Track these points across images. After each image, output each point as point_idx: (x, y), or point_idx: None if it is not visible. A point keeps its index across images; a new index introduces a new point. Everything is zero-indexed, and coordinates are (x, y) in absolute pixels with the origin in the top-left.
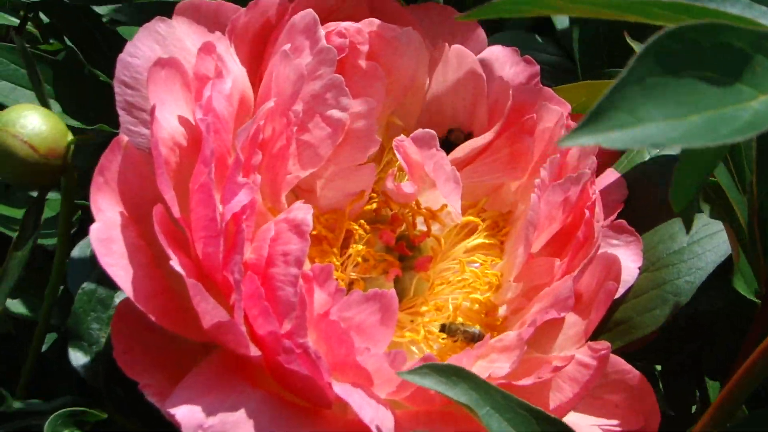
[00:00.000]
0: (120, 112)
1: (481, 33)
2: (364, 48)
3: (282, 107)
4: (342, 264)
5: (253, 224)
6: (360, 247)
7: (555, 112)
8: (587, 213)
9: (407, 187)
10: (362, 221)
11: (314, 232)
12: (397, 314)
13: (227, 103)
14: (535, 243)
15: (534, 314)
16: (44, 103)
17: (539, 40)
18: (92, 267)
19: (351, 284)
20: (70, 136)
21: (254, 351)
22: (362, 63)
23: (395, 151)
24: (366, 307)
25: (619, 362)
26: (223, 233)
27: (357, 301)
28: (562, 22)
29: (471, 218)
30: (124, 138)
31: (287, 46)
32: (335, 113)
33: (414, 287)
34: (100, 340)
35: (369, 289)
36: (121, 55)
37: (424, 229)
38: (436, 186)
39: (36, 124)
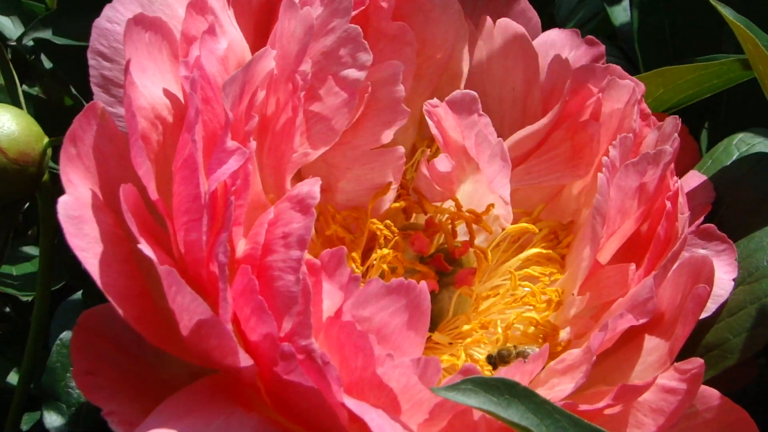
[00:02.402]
0: (95, 89)
1: (534, 15)
2: (389, 4)
3: (286, 71)
4: (363, 274)
5: (246, 202)
6: (386, 251)
7: (625, 87)
8: (668, 204)
9: (442, 163)
10: (388, 221)
11: (328, 232)
12: (429, 313)
13: (221, 67)
14: (605, 249)
15: (606, 319)
16: (17, 103)
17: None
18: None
19: None
20: (45, 140)
21: (245, 360)
22: (386, 25)
23: (426, 117)
24: (389, 303)
25: (712, 395)
26: (208, 209)
27: (377, 293)
28: (619, 17)
29: (525, 225)
30: (99, 104)
31: None
32: (351, 73)
33: (454, 306)
34: (81, 400)
35: None
36: (98, 20)
37: (466, 238)
38: (478, 170)
39: (5, 123)
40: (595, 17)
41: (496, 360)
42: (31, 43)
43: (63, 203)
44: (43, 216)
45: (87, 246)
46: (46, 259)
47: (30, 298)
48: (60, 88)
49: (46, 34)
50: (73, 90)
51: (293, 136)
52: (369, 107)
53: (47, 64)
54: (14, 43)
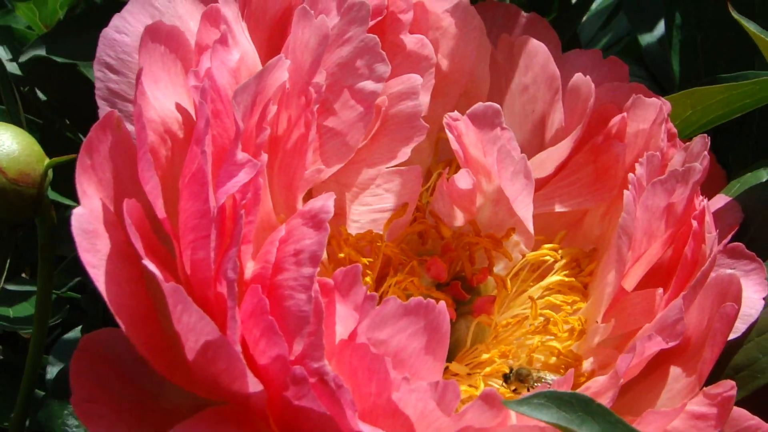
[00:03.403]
0: (100, 103)
1: (555, 36)
2: (407, 17)
3: (299, 84)
4: (378, 299)
5: (257, 219)
6: (401, 276)
7: (652, 106)
8: (695, 224)
9: (462, 179)
10: (404, 246)
11: (341, 256)
12: (448, 336)
13: (232, 80)
14: (630, 276)
15: (635, 341)
16: (17, 122)
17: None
18: None
19: None
20: (46, 161)
21: (254, 384)
22: (405, 38)
23: (447, 130)
24: (406, 324)
25: (743, 416)
26: (216, 224)
27: (394, 314)
28: (645, 38)
29: (546, 251)
30: (116, 113)
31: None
32: (368, 85)
33: (472, 335)
34: None
35: None
36: (106, 30)
37: (485, 264)
38: (499, 190)
39: (5, 141)
40: (619, 42)
41: (512, 378)
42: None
43: (77, 216)
44: (42, 243)
45: (99, 263)
46: (43, 290)
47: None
48: (56, 119)
49: (41, 51)
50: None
51: (305, 152)
52: (385, 122)
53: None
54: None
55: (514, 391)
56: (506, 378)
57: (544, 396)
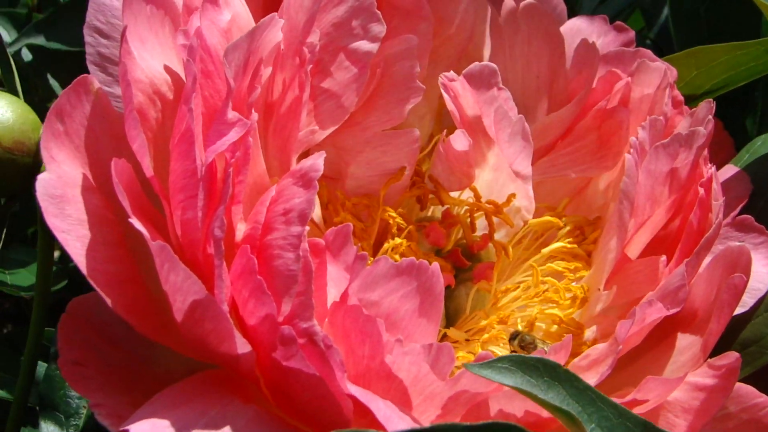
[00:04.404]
0: (91, 68)
1: (560, 1)
2: None
3: (293, 44)
4: None
5: (247, 179)
6: (398, 241)
7: (656, 70)
8: (701, 191)
9: (459, 140)
10: (402, 210)
11: (337, 220)
12: (442, 298)
13: (223, 40)
14: (633, 243)
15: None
16: (13, 91)
17: None
18: None
19: None
20: (42, 129)
21: (242, 345)
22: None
23: (442, 90)
24: (398, 285)
25: (750, 394)
26: (204, 183)
27: (385, 274)
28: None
29: (549, 218)
30: (93, 81)
31: None
32: (363, 45)
33: (471, 302)
34: (80, 411)
35: None
36: None
37: (486, 231)
38: (498, 152)
39: None
40: (620, 14)
41: (516, 341)
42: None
43: (42, 181)
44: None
45: (69, 227)
46: (44, 260)
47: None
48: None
49: (39, 40)
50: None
51: (300, 114)
52: (381, 84)
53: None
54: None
55: (513, 353)
56: (512, 338)
57: (509, 360)
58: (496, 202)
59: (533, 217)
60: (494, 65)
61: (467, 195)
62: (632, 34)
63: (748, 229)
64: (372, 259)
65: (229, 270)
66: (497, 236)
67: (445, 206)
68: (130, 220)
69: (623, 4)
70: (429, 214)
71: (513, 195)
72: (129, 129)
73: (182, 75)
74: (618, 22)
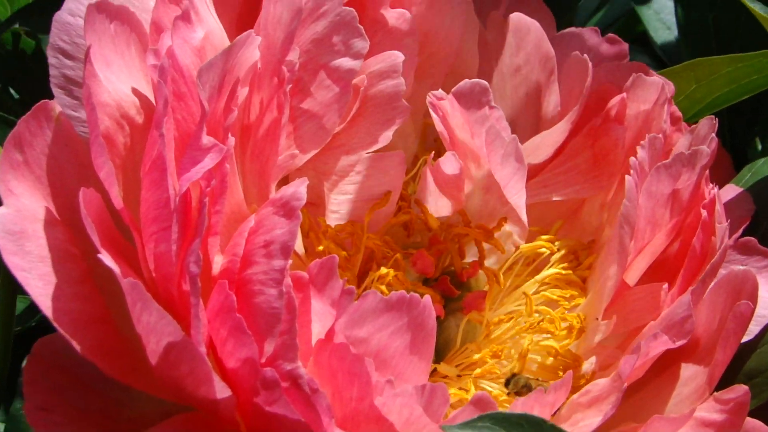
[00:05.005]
0: (56, 91)
1: (548, 13)
2: None
3: (272, 63)
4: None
5: (224, 209)
6: (384, 271)
7: (653, 85)
8: (704, 214)
9: (449, 163)
10: (388, 238)
11: (320, 249)
12: (434, 333)
13: (196, 59)
14: (632, 268)
15: (639, 341)
16: None
17: None
18: None
19: None
20: None
21: (221, 390)
22: (386, 13)
23: (430, 110)
24: (388, 321)
25: (758, 428)
26: (178, 214)
27: (374, 309)
28: (657, 31)
29: (541, 243)
30: (55, 106)
31: None
32: (345, 62)
33: (462, 334)
34: None
35: None
36: (58, 14)
37: (475, 258)
38: (489, 176)
39: None
40: (614, 23)
41: (511, 385)
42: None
43: (0, 217)
44: None
45: (29, 266)
46: (6, 302)
47: None
48: None
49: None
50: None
51: (279, 137)
52: (365, 104)
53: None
54: None
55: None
56: (507, 383)
57: (490, 418)
58: (487, 226)
59: (525, 242)
60: (485, 82)
61: (455, 219)
62: (625, 46)
63: (751, 251)
64: (357, 290)
65: (205, 307)
66: (487, 263)
67: (433, 232)
68: (100, 255)
69: (617, 14)
70: (416, 240)
71: (504, 219)
72: (95, 156)
73: (151, 97)
74: (610, 35)
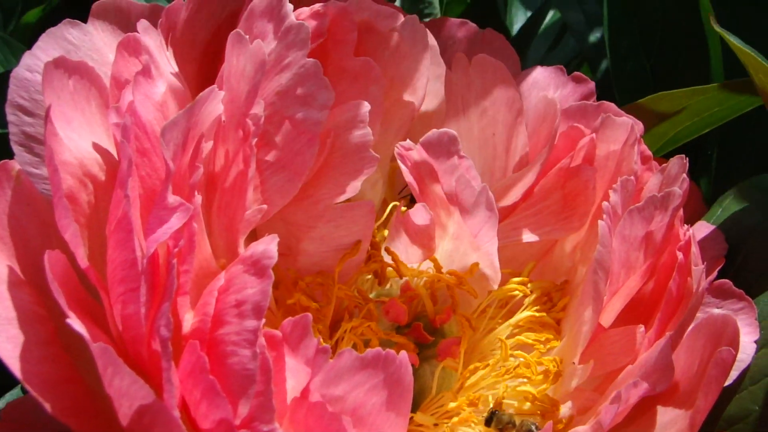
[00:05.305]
0: (16, 149)
1: (513, 53)
2: (351, 38)
3: (236, 116)
4: (333, 348)
5: (193, 268)
6: (357, 321)
7: (623, 126)
8: (680, 256)
9: (419, 214)
10: (359, 287)
11: (290, 302)
12: (411, 389)
13: (159, 114)
14: (607, 310)
15: (615, 389)
16: None
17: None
18: None
19: None
20: None
21: None
22: (350, 62)
23: (398, 161)
24: (364, 378)
25: None
26: (146, 276)
27: (350, 367)
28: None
29: (514, 285)
30: (14, 165)
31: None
32: (311, 114)
33: (437, 381)
34: None
35: None
36: (16, 70)
37: (448, 304)
38: (459, 222)
39: None
40: (568, 66)
41: (495, 421)
42: None
43: None
44: None
45: None
46: None
47: None
48: None
49: None
50: None
51: (245, 190)
52: (332, 155)
53: None
54: None
55: None
56: (487, 421)
57: None
58: (458, 273)
59: (498, 285)
60: (453, 132)
61: (426, 265)
62: (592, 85)
63: (726, 294)
64: (329, 341)
65: (177, 367)
66: (460, 308)
67: (404, 279)
68: (68, 321)
69: (570, 55)
70: (387, 287)
71: (476, 264)
72: (60, 218)
73: (113, 152)
74: (576, 73)
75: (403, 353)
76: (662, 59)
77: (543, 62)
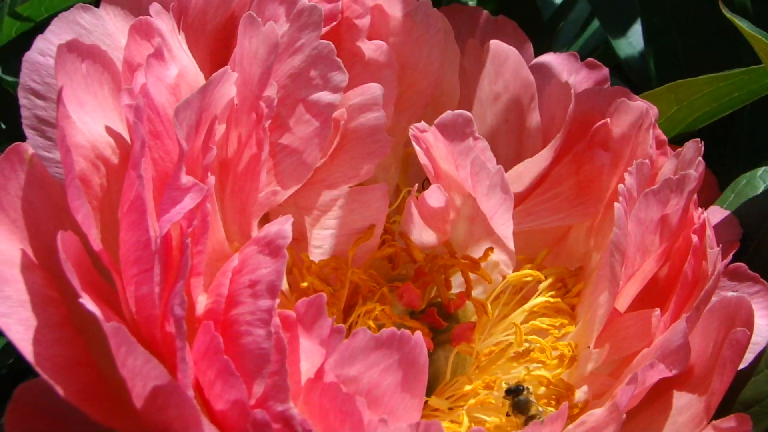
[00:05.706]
0: (28, 132)
1: (526, 39)
2: (364, 22)
3: (249, 98)
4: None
5: (206, 249)
6: (371, 305)
7: (637, 109)
8: (695, 239)
9: (434, 196)
10: (372, 271)
11: (303, 285)
12: (426, 370)
13: (171, 97)
14: (622, 295)
15: (632, 372)
16: None
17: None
18: None
19: None
20: None
21: None
22: (363, 46)
23: (413, 143)
24: (379, 358)
25: None
26: (160, 256)
27: (364, 348)
28: (624, 49)
29: (528, 271)
30: (27, 148)
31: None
32: (324, 96)
33: (451, 366)
34: None
35: None
36: (28, 54)
37: (462, 289)
38: (474, 206)
39: None
40: (594, 51)
41: (515, 402)
42: None
43: None
44: None
45: (9, 311)
46: None
47: None
48: None
49: None
50: None
51: (259, 174)
52: (345, 138)
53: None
54: None
55: (508, 415)
56: (508, 392)
57: None
58: (473, 257)
59: (512, 271)
60: (468, 114)
61: (441, 250)
62: (606, 71)
63: (742, 277)
64: (344, 325)
65: (190, 348)
66: (474, 293)
67: (418, 264)
68: (81, 300)
69: (597, 42)
70: (401, 272)
71: (491, 249)
72: (72, 199)
73: (126, 136)
74: (590, 59)
75: (418, 333)
76: (693, 38)
77: (570, 48)
